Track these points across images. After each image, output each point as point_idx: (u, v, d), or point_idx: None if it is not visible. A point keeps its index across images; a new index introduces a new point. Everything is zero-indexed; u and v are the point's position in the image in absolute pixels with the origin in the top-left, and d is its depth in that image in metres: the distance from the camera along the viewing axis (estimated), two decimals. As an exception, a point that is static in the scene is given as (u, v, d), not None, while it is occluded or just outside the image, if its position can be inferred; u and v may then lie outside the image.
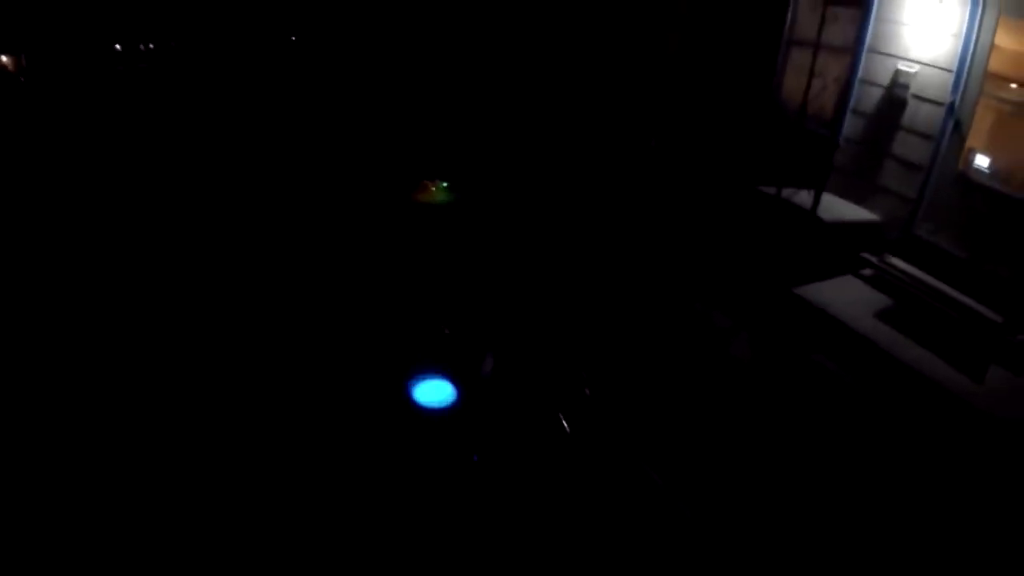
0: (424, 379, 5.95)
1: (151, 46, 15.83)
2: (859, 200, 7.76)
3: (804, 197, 7.55)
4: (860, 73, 7.83)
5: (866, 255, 7.33)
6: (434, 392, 5.85)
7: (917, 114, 7.28)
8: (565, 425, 5.30)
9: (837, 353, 6.46)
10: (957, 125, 6.90)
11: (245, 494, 5.02)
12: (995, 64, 6.48)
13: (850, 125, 7.95)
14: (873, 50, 7.71)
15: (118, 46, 14.82)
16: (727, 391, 6.47)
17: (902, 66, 7.39)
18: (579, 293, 8.06)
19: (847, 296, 6.86)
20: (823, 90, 8.14)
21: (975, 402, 5.53)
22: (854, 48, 7.81)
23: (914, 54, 7.28)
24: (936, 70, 7.07)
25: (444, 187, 9.85)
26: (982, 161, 6.74)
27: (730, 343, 7.14)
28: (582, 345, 6.93)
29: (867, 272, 7.28)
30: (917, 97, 7.27)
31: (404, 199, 9.41)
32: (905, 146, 7.39)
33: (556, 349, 6.72)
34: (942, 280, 6.78)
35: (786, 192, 7.69)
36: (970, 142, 6.81)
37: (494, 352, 6.44)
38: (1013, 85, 6.47)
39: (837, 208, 7.64)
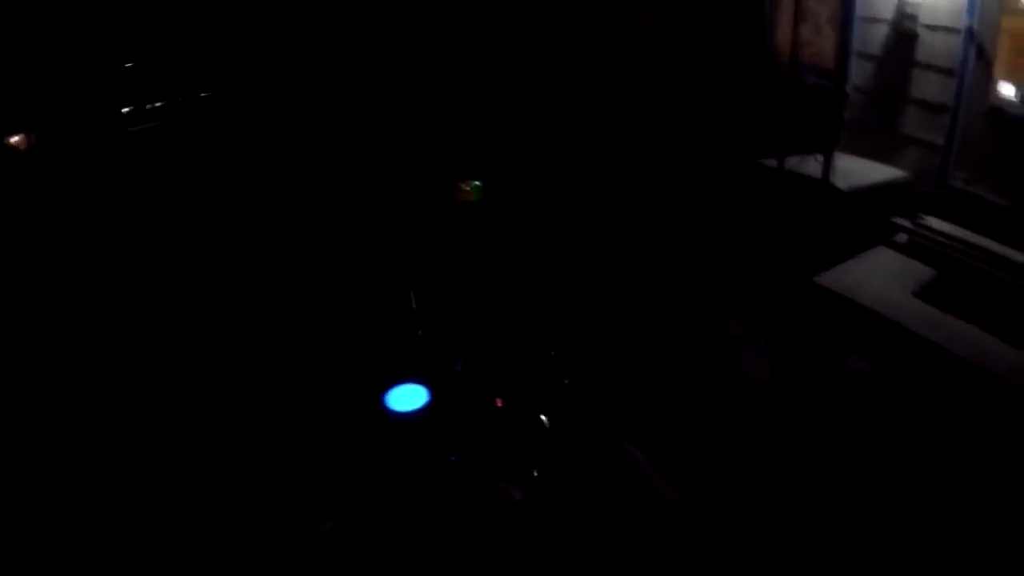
0: (397, 384, 5.61)
1: (157, 104, 15.43)
2: (880, 157, 6.72)
3: (814, 164, 6.53)
4: (858, 10, 6.77)
5: (897, 219, 6.31)
6: (408, 397, 5.54)
7: (932, 47, 6.22)
8: (544, 420, 4.87)
9: (876, 352, 5.43)
10: (980, 52, 5.84)
11: (220, 504, 4.92)
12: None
13: (857, 71, 6.91)
14: (870, -19, 6.65)
15: (125, 109, 14.55)
16: (744, 425, 5.46)
17: (905, -6, 6.33)
18: (569, 292, 7.16)
19: (880, 275, 5.84)
20: (820, 37, 7.12)
21: (1014, 378, 4.53)
22: (847, -17, 6.77)
23: (917, -22, 6.22)
24: (945, -8, 6.01)
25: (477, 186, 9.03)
26: (1016, 90, 5.66)
27: (743, 360, 6.11)
28: (562, 337, 6.20)
29: (900, 239, 6.26)
30: (929, 27, 6.22)
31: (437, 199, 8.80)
32: (924, 86, 6.34)
33: (534, 341, 5.90)
34: (987, 236, 5.73)
35: (792, 161, 6.68)
36: (999, 70, 5.73)
37: (467, 351, 5.93)
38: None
39: (855, 171, 6.60)
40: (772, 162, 6.82)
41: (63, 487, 5.02)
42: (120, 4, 11.65)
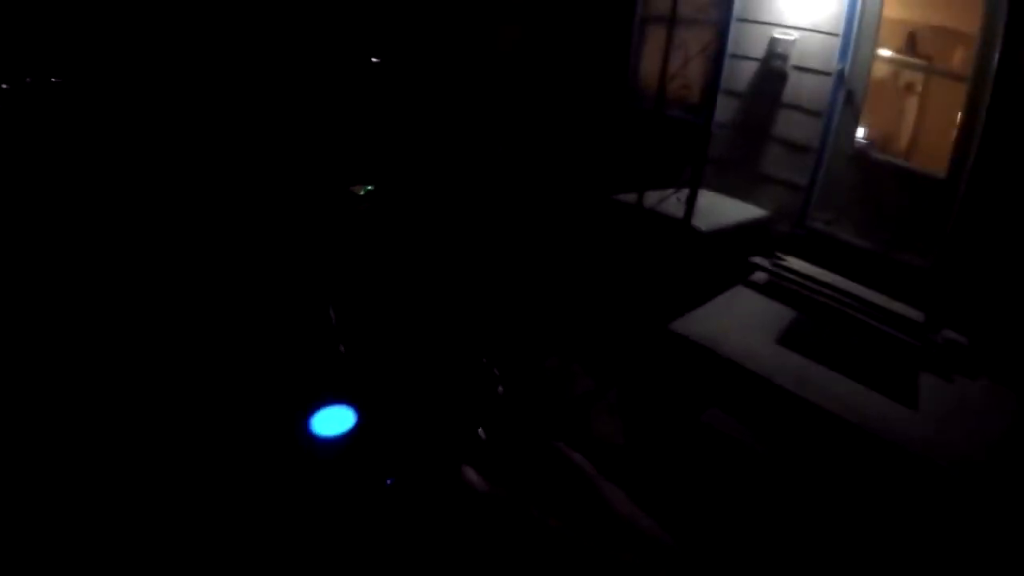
0: (322, 407, 4.59)
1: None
2: (741, 195, 6.50)
3: (674, 201, 6.19)
4: (729, 47, 6.62)
5: (756, 259, 6.06)
6: (334, 420, 4.51)
7: (800, 88, 6.12)
8: (481, 433, 3.89)
9: (738, 406, 5.00)
10: (850, 96, 5.76)
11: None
12: (892, 11, 5.37)
13: (723, 108, 6.70)
14: (742, 19, 6.52)
15: None
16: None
17: (778, 33, 6.22)
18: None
19: (740, 320, 5.48)
20: (688, 71, 6.91)
21: (912, 445, 4.22)
22: (719, 18, 6.61)
23: (791, 19, 6.13)
24: (819, 35, 5.94)
25: None
26: (881, 135, 5.61)
27: (592, 416, 5.53)
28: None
29: (759, 278, 5.99)
30: (799, 68, 6.12)
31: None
32: (790, 126, 6.21)
33: (463, 348, 5.07)
34: (845, 275, 5.58)
35: (651, 198, 6.30)
36: (867, 114, 5.67)
37: (393, 364, 4.96)
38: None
39: (716, 209, 6.33)
40: (631, 197, 6.43)
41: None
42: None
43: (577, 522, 0.70)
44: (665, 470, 4.82)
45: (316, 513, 4.17)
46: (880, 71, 5.66)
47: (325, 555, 3.93)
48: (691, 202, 6.06)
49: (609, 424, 5.38)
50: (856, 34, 5.60)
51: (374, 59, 11.28)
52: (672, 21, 6.15)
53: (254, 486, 4.42)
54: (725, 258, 6.09)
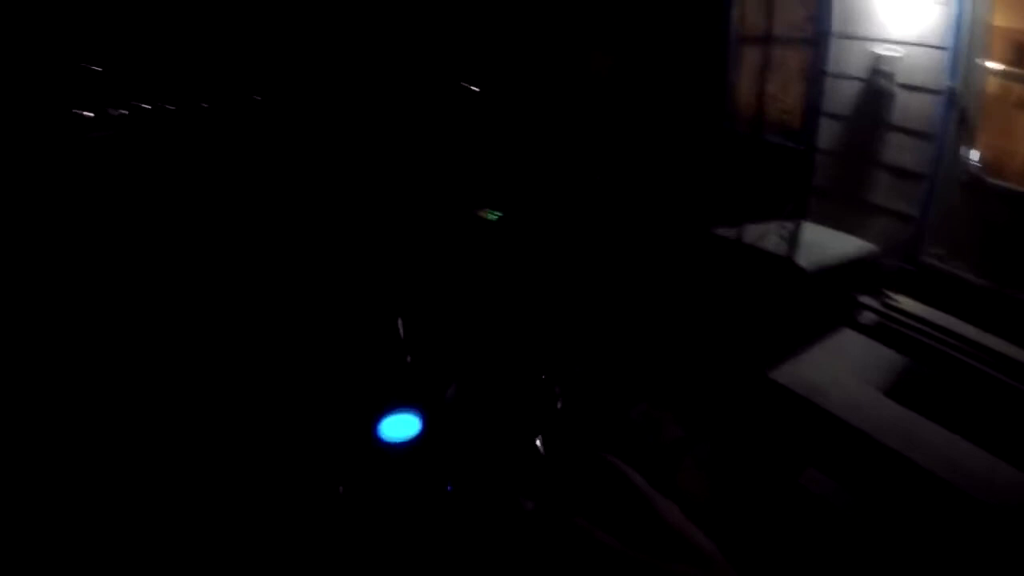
0: (389, 413, 4.86)
1: (122, 111, 14.63)
2: (846, 227, 6.01)
3: (774, 236, 5.79)
4: (830, 66, 6.14)
5: (864, 298, 5.57)
6: (400, 426, 4.75)
7: (908, 108, 5.59)
8: (539, 445, 3.85)
9: (837, 463, 4.58)
10: (963, 116, 5.19)
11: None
12: (1002, 19, 4.79)
13: (824, 132, 6.24)
14: (843, 35, 6.03)
15: (88, 113, 13.80)
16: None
17: (881, 49, 5.71)
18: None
19: (845, 368, 5.05)
20: (786, 93, 6.47)
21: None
22: (817, 35, 6.15)
23: (894, 32, 5.61)
24: (925, 49, 5.39)
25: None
26: (998, 158, 5.02)
27: (681, 469, 5.22)
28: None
29: (866, 319, 5.51)
30: (905, 86, 5.58)
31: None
32: (898, 150, 5.68)
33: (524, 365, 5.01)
34: (963, 318, 5.02)
35: (751, 232, 5.94)
36: (983, 135, 5.09)
37: (459, 376, 5.04)
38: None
39: (819, 243, 5.88)
40: (729, 232, 6.06)
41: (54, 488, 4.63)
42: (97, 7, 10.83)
43: (629, 534, 0.71)
44: (753, 533, 4.49)
45: (380, 512, 4.26)
46: (993, 86, 5.05)
47: (384, 553, 3.98)
48: (793, 238, 5.67)
49: (696, 478, 5.10)
50: (964, 46, 5.02)
51: (474, 88, 11.44)
52: (767, 40, 5.80)
53: (325, 483, 4.54)
54: (830, 296, 5.64)
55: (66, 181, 10.90)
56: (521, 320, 6.43)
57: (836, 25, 6.01)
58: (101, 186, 10.78)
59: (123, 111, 13.87)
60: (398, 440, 4.75)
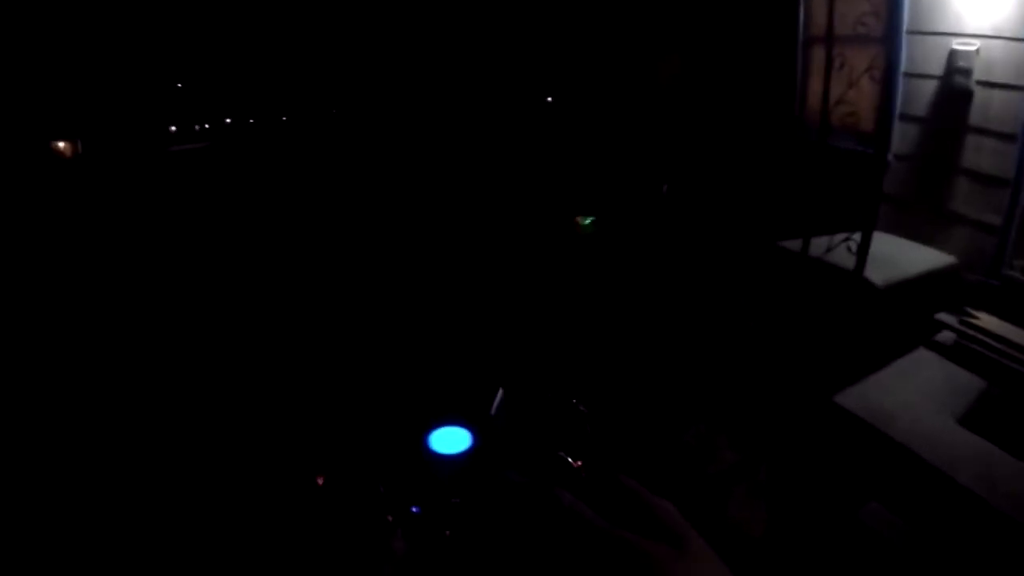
0: (440, 426, 5.10)
1: (206, 125, 15.58)
2: (923, 238, 5.55)
3: (844, 250, 5.40)
4: (902, 64, 5.69)
5: (941, 315, 5.11)
6: (451, 439, 4.95)
7: (989, 107, 5.11)
8: (570, 460, 3.81)
9: (903, 497, 4.17)
10: (1049, 114, 4.69)
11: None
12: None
13: (898, 136, 5.80)
14: (914, 30, 5.59)
15: (172, 127, 14.62)
16: None
17: (957, 45, 5.24)
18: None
19: (915, 391, 4.63)
20: (856, 95, 6.05)
21: None
22: (887, 32, 5.72)
23: (970, 24, 5.14)
24: (1004, 41, 4.91)
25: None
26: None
27: (734, 495, 4.87)
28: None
29: (945, 339, 5.04)
30: (985, 83, 5.10)
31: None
32: (979, 154, 5.20)
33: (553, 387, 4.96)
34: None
35: (818, 245, 5.56)
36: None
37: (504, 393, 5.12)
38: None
39: (894, 256, 5.45)
40: (795, 244, 5.69)
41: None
42: (186, 26, 11.54)
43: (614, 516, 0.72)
44: (805, 568, 4.16)
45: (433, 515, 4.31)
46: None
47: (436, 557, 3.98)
48: (863, 250, 5.26)
49: (749, 508, 4.81)
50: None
51: (549, 99, 11.38)
52: (830, 39, 5.43)
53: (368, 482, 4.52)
54: (904, 314, 5.21)
55: (151, 190, 11.46)
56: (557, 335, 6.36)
57: (908, 20, 5.57)
58: (184, 194, 11.28)
59: (206, 125, 14.49)
60: (448, 453, 4.78)
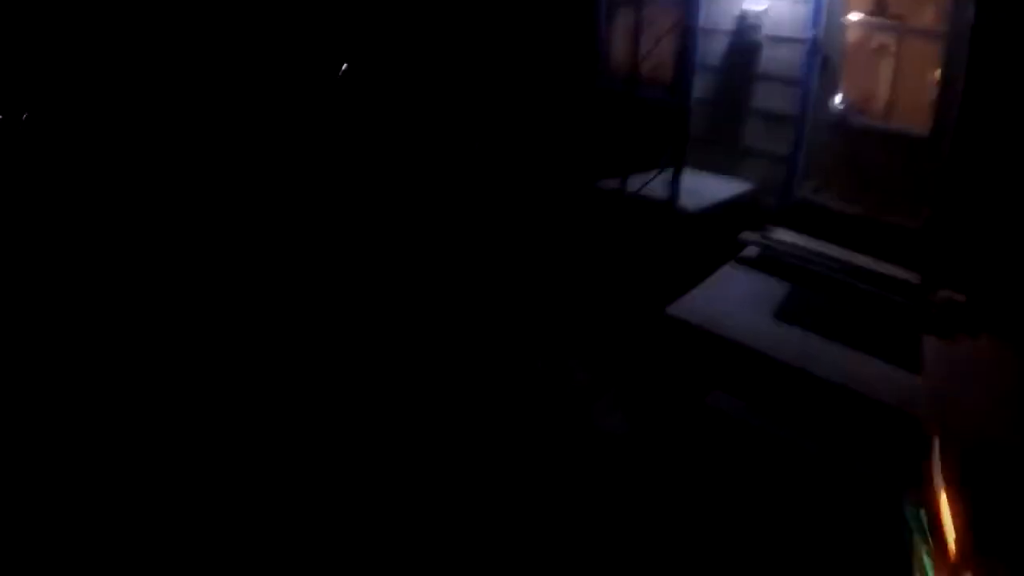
0: None
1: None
2: (725, 171, 6.44)
3: (658, 185, 6.11)
4: (700, 21, 6.53)
5: (746, 235, 5.99)
6: None
7: (775, 58, 6.06)
8: None
9: (739, 384, 4.92)
10: (826, 62, 5.70)
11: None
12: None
13: (699, 84, 6.64)
14: (711, -8, 6.44)
15: None
16: (603, 480, 4.68)
17: (747, 4, 6.15)
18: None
19: (733, 297, 5.39)
20: (660, 49, 6.81)
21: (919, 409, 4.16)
22: (688, -7, 6.52)
23: (759, -12, 6.06)
24: (788, 2, 5.88)
25: None
26: (860, 99, 5.56)
27: (594, 411, 5.40)
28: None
29: (750, 253, 5.92)
30: (772, 38, 6.05)
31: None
32: (768, 97, 6.15)
33: None
34: (836, 243, 5.53)
35: (634, 182, 6.21)
36: (844, 79, 5.61)
37: None
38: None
39: (701, 187, 6.25)
40: (613, 183, 6.33)
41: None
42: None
43: None
44: (671, 457, 4.74)
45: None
46: (854, 34, 5.59)
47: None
48: (675, 183, 5.99)
49: (611, 417, 5.27)
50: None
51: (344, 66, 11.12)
52: (638, 1, 6.08)
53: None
54: (715, 236, 6.02)
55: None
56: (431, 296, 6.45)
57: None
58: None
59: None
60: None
